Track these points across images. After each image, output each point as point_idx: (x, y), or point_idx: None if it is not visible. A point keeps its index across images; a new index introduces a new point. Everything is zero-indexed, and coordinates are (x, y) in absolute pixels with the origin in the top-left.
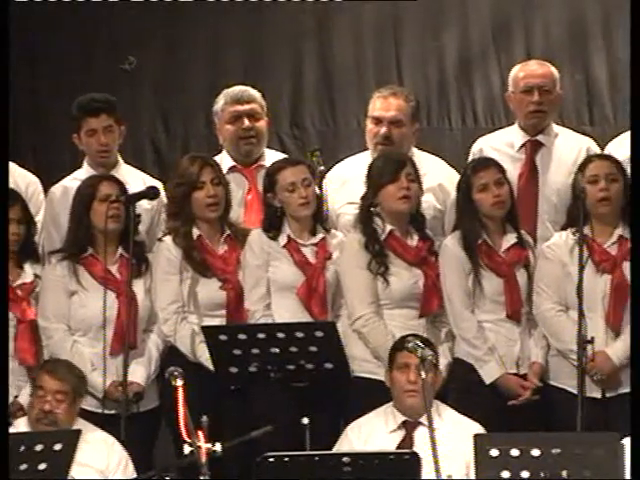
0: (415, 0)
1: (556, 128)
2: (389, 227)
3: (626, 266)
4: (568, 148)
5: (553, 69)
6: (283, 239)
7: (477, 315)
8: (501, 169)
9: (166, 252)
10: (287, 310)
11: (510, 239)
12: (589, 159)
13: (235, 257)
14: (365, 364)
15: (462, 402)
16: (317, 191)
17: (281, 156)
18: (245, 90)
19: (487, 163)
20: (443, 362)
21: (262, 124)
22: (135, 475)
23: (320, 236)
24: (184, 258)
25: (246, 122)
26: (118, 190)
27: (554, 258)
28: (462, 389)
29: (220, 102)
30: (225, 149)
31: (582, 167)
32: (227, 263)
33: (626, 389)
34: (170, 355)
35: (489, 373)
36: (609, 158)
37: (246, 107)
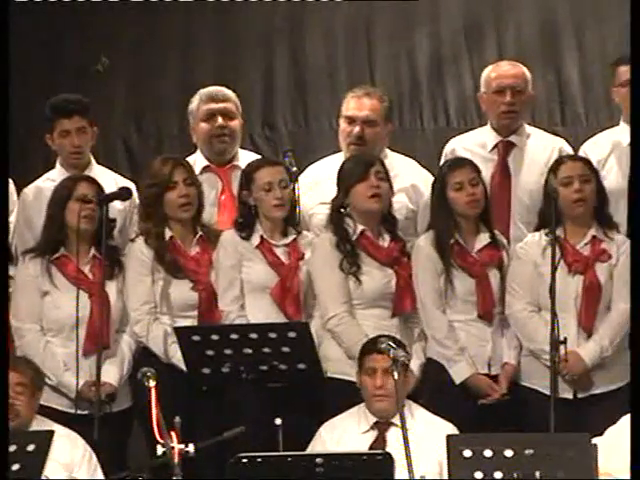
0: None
1: (528, 129)
2: (360, 227)
3: (599, 267)
4: (540, 149)
5: (525, 69)
6: (256, 239)
7: (449, 315)
8: (476, 169)
9: (138, 253)
10: (261, 310)
11: (483, 239)
12: (561, 160)
13: (207, 258)
14: (339, 364)
15: (434, 402)
16: (291, 195)
17: (256, 157)
18: (220, 89)
19: (462, 162)
20: (416, 362)
21: (236, 123)
22: (99, 469)
23: (292, 236)
24: (156, 259)
25: (220, 120)
26: (95, 191)
27: (526, 259)
28: (434, 389)
29: (195, 101)
30: (199, 148)
31: (554, 168)
32: (199, 264)
33: (598, 390)
34: (143, 356)
35: (459, 373)
36: (581, 159)
37: (220, 105)
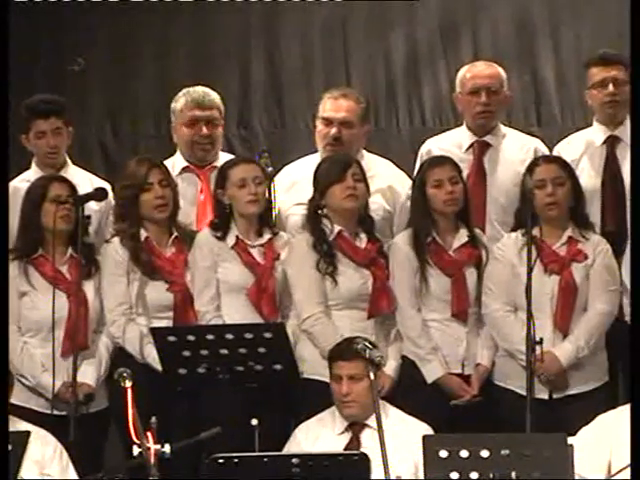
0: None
1: (504, 129)
2: (337, 228)
3: (575, 267)
4: (516, 149)
5: (500, 70)
6: (231, 240)
7: (424, 314)
8: (457, 168)
9: (113, 254)
10: (237, 311)
11: (461, 238)
12: (536, 162)
13: (182, 259)
14: (314, 365)
15: (408, 401)
16: (266, 193)
17: (230, 156)
18: (207, 94)
19: (443, 160)
20: (392, 364)
21: (219, 130)
22: (72, 466)
23: (267, 236)
24: (131, 260)
25: (204, 130)
26: (69, 191)
27: (503, 259)
28: (408, 388)
29: (180, 102)
30: (179, 149)
31: (529, 169)
32: (174, 265)
33: (573, 390)
34: (119, 356)
35: (431, 372)
36: (556, 161)
37: (206, 113)
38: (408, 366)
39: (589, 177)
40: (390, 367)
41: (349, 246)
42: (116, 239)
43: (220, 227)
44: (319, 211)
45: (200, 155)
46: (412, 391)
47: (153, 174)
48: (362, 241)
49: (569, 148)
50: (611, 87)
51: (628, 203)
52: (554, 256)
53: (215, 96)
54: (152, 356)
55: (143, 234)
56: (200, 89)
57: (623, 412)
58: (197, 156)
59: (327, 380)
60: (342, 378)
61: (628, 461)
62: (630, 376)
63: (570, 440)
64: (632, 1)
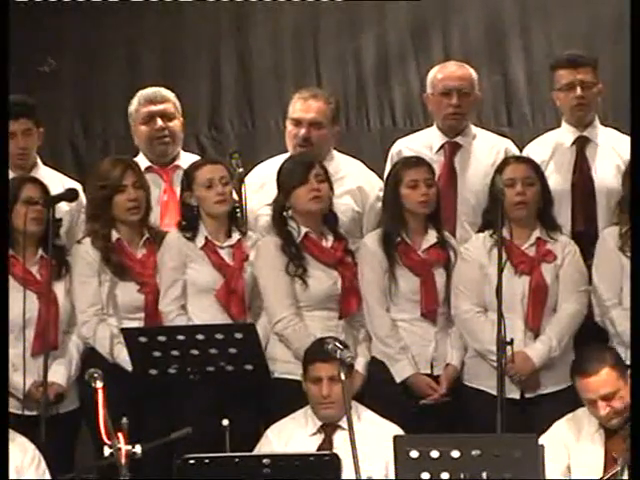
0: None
1: (474, 129)
2: (304, 229)
3: (544, 267)
4: (486, 149)
5: (471, 70)
6: (200, 240)
7: (393, 314)
8: (432, 170)
9: (84, 254)
10: (206, 312)
11: (431, 239)
12: (506, 161)
13: (153, 261)
14: (286, 365)
15: (377, 400)
16: (235, 194)
17: (197, 158)
18: (158, 90)
19: (419, 162)
20: (362, 361)
21: (176, 124)
22: (49, 475)
23: (236, 237)
24: (102, 261)
25: (159, 122)
26: (41, 192)
27: (472, 260)
28: (377, 387)
29: (134, 103)
30: (140, 150)
31: (500, 169)
32: (145, 267)
33: (545, 390)
34: (91, 357)
35: (400, 372)
36: (526, 161)
37: (159, 107)
38: (376, 365)
39: (559, 178)
40: (360, 364)
41: (316, 247)
42: (87, 240)
43: (189, 228)
44: (284, 213)
45: (160, 150)
46: (381, 390)
47: (127, 176)
48: (329, 241)
49: (538, 149)
50: (579, 90)
51: (599, 203)
52: (523, 257)
53: (167, 92)
54: (123, 357)
55: (115, 235)
56: (152, 88)
57: (578, 417)
58: (157, 152)
59: (298, 378)
60: (322, 380)
61: (587, 464)
62: (630, 376)
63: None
64: (632, 1)
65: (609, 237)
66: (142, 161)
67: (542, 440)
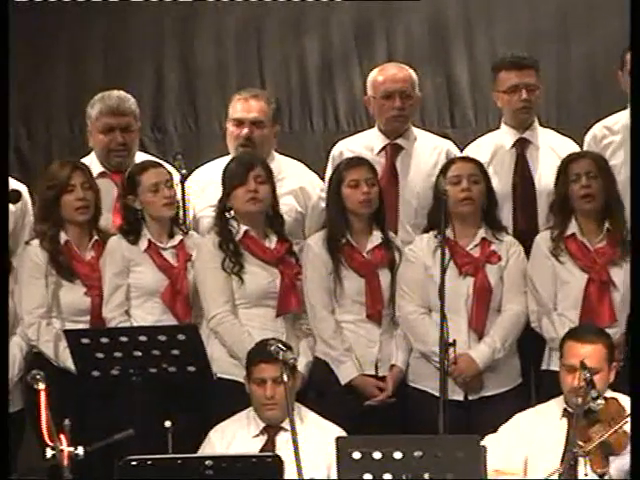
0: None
1: (415, 131)
2: (244, 227)
3: (489, 268)
4: (427, 151)
5: (412, 72)
6: (144, 243)
7: (338, 315)
8: (374, 170)
9: (32, 256)
10: (151, 314)
11: (375, 240)
12: (452, 160)
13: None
14: (224, 364)
15: (320, 402)
16: (178, 195)
17: (147, 157)
18: (122, 100)
19: (361, 162)
20: (303, 362)
21: (134, 136)
22: None
23: (179, 238)
24: (50, 262)
25: (119, 138)
26: None
27: (416, 261)
28: (320, 389)
29: (95, 109)
30: (96, 155)
31: (445, 169)
32: (93, 269)
33: (488, 392)
34: (35, 358)
35: (345, 374)
36: (472, 160)
37: (121, 120)
38: (320, 366)
39: (499, 180)
40: (300, 364)
41: (256, 245)
42: (35, 241)
43: (131, 232)
44: (226, 213)
45: (116, 162)
46: (326, 392)
47: (75, 176)
48: (272, 241)
49: (478, 151)
50: (524, 94)
51: (540, 205)
52: (468, 257)
53: (130, 102)
54: (68, 359)
55: (63, 237)
56: (115, 94)
57: (539, 411)
58: (113, 163)
59: (237, 379)
60: (266, 381)
61: (546, 459)
62: (630, 376)
63: (490, 437)
64: (632, 1)
65: (542, 242)
66: (95, 165)
67: (501, 430)
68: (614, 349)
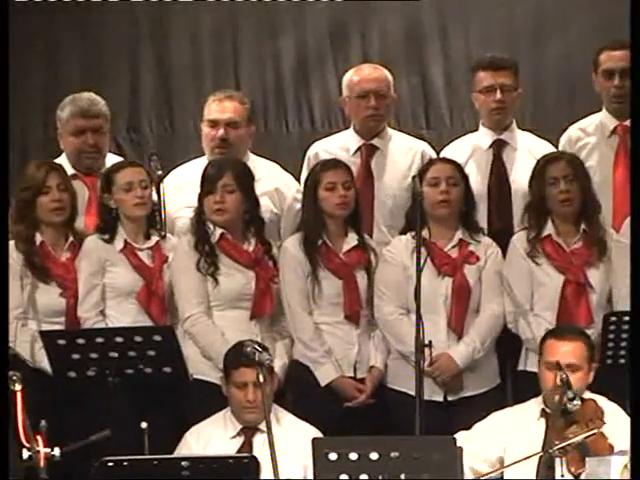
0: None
1: (390, 132)
2: (220, 230)
3: (467, 269)
4: (403, 152)
5: (387, 72)
6: (119, 244)
7: (316, 317)
8: (350, 173)
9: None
10: (127, 315)
11: (351, 241)
12: (431, 162)
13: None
14: (198, 365)
15: (299, 404)
16: (154, 196)
17: (118, 160)
18: (93, 102)
19: (338, 164)
20: (279, 363)
21: (105, 138)
22: None
23: (155, 239)
24: (25, 264)
25: (90, 140)
26: None
27: (394, 261)
28: (299, 391)
29: (66, 111)
30: (66, 156)
31: (423, 170)
32: (68, 270)
33: (468, 392)
34: (11, 360)
35: (324, 375)
36: (451, 162)
37: (92, 122)
38: (299, 368)
39: (476, 180)
40: (277, 366)
41: (232, 247)
42: (11, 242)
43: (106, 230)
44: (202, 215)
45: (87, 164)
46: (305, 394)
47: (51, 177)
48: (251, 244)
49: (456, 152)
50: (499, 94)
51: (515, 206)
52: (446, 258)
53: (101, 104)
54: (43, 360)
55: (38, 238)
56: (86, 96)
57: (516, 411)
58: (84, 165)
59: (211, 380)
60: (247, 385)
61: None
62: (630, 376)
63: (464, 433)
64: (632, 1)
65: (518, 243)
66: (67, 168)
67: (477, 428)
68: (594, 350)
